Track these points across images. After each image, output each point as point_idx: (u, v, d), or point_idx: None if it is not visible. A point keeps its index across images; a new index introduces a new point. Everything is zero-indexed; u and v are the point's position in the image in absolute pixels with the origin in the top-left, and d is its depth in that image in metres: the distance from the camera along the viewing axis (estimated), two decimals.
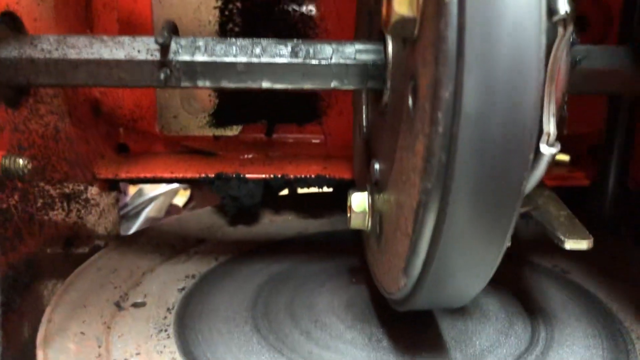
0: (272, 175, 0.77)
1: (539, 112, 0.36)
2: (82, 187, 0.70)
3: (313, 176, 0.77)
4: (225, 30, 0.82)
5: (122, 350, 0.50)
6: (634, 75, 0.53)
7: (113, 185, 0.80)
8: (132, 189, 1.33)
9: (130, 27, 0.78)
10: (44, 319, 0.51)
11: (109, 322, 0.54)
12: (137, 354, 0.50)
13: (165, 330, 0.53)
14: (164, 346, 0.51)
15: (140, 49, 0.51)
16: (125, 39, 0.51)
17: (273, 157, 0.83)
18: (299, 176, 0.77)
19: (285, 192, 0.86)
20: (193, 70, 0.51)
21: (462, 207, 0.37)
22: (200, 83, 0.51)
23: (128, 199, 1.31)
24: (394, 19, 0.40)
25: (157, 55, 0.50)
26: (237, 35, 0.82)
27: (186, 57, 0.50)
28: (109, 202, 0.80)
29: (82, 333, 0.51)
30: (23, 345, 0.53)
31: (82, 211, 0.70)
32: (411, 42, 0.41)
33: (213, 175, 0.76)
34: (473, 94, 0.35)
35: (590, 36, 0.82)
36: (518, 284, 0.64)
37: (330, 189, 0.80)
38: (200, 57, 0.50)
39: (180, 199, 1.42)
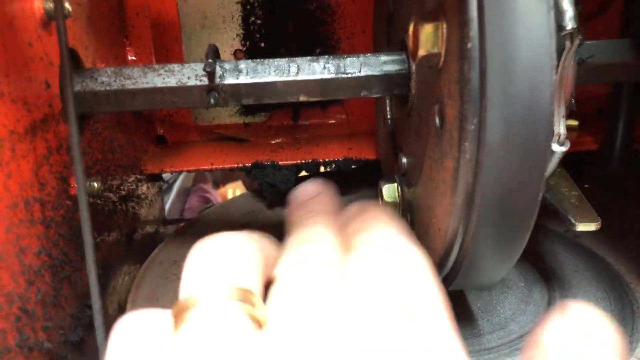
0: (302, 161, 0.83)
1: (551, 142, 0.42)
2: (134, 186, 0.77)
3: (340, 159, 0.84)
4: (248, 23, 0.86)
5: None
6: (635, 66, 0.58)
7: (157, 177, 0.88)
8: None
9: (160, 28, 0.83)
10: None
11: None
12: None
13: None
14: None
15: (190, 75, 0.56)
16: (175, 67, 0.57)
17: (301, 139, 0.90)
18: (327, 160, 0.84)
19: None
20: (238, 91, 0.56)
21: (486, 220, 0.44)
22: (244, 101, 0.57)
23: None
24: (421, 54, 0.45)
25: (205, 81, 0.56)
26: (260, 27, 0.86)
27: (231, 80, 0.56)
28: (155, 192, 0.88)
29: None
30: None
31: (136, 207, 0.77)
32: (436, 69, 0.47)
33: (249, 165, 0.82)
34: (495, 127, 0.41)
35: (592, 3, 0.85)
36: (534, 251, 0.71)
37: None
38: (243, 79, 0.56)
39: None
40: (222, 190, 1.84)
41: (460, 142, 0.42)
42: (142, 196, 0.80)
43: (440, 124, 0.47)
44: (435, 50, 0.45)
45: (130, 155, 0.76)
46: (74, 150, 0.47)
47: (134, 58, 0.80)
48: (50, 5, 0.50)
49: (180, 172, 1.45)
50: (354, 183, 0.87)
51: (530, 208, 0.44)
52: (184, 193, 1.46)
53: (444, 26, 0.44)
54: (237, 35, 0.86)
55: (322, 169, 0.90)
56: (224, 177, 1.94)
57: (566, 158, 0.83)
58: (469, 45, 0.40)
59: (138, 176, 0.79)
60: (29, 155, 0.47)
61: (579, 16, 0.46)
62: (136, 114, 0.80)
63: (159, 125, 0.89)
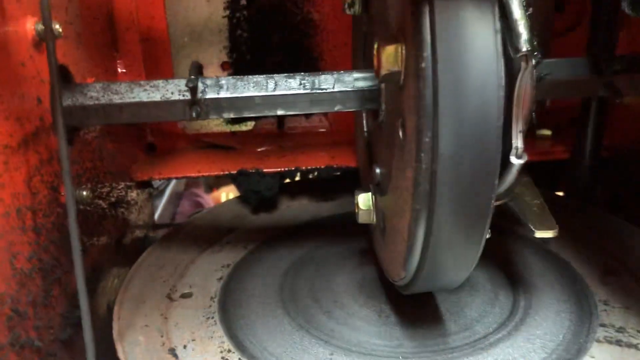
0: (286, 169, 0.87)
1: (500, 151, 0.46)
2: (123, 193, 0.80)
3: (323, 167, 0.88)
4: (235, 36, 0.90)
5: (180, 337, 0.62)
6: (590, 83, 0.62)
7: (147, 184, 0.91)
8: None
9: (150, 42, 0.87)
10: (115, 317, 0.63)
11: (165, 313, 0.65)
12: (193, 340, 0.61)
13: (212, 318, 0.65)
14: (213, 332, 0.63)
15: (173, 90, 0.60)
16: (160, 83, 0.60)
17: (285, 147, 0.93)
18: (310, 167, 0.88)
19: None
20: (219, 105, 0.60)
21: (444, 222, 0.48)
22: (225, 115, 0.61)
23: None
24: (383, 72, 0.49)
25: (187, 95, 0.60)
26: (246, 40, 0.90)
27: (213, 95, 0.60)
28: (144, 198, 0.92)
29: (147, 325, 0.63)
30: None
31: (126, 212, 0.81)
32: (398, 87, 0.50)
33: (235, 172, 0.86)
34: (447, 139, 0.44)
35: (564, 22, 0.90)
36: (503, 255, 0.75)
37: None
38: (224, 94, 0.60)
39: None
40: (215, 193, 1.87)
41: (417, 153, 0.46)
42: (132, 202, 0.84)
43: (402, 136, 0.50)
44: (396, 69, 0.48)
45: (120, 163, 0.79)
46: (62, 162, 0.50)
47: (124, 71, 0.83)
48: (41, 27, 0.54)
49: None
50: (335, 190, 0.91)
51: (484, 214, 0.47)
52: (176, 197, 1.50)
53: (403, 48, 0.48)
54: (225, 47, 0.90)
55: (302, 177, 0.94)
56: (217, 180, 1.97)
57: (539, 166, 0.86)
58: (423, 65, 0.44)
59: (128, 183, 0.82)
60: (22, 167, 0.50)
61: (551, 30, 0.49)
62: (126, 124, 0.83)
63: (149, 133, 0.93)
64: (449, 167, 0.45)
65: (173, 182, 1.52)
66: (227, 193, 1.92)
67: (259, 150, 0.93)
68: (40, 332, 0.52)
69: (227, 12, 0.89)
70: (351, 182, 0.85)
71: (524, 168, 0.72)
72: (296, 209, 0.89)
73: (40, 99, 0.55)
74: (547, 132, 0.93)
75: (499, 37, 0.44)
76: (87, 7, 0.71)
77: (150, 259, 0.75)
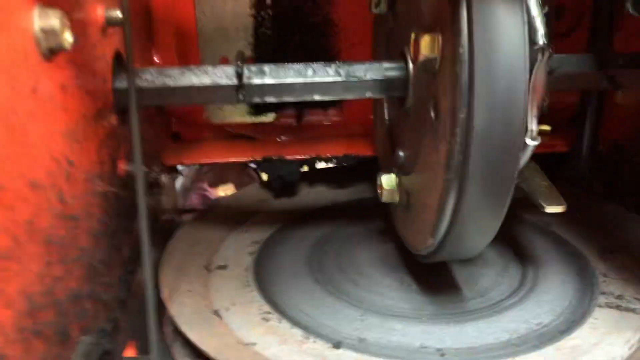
0: (307, 156, 0.93)
1: (524, 127, 0.52)
2: (157, 175, 0.86)
3: (341, 155, 0.94)
4: (259, 33, 0.96)
5: (221, 301, 0.67)
6: (594, 76, 0.70)
7: (174, 169, 0.97)
8: None
9: (179, 36, 0.93)
10: (162, 283, 0.68)
11: (205, 282, 0.71)
12: (233, 304, 0.67)
13: (249, 286, 0.71)
14: (252, 297, 0.68)
15: (221, 75, 0.66)
16: (209, 68, 0.66)
17: (304, 138, 1.00)
18: (329, 155, 0.94)
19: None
20: (262, 90, 0.66)
21: (473, 191, 0.54)
22: (267, 99, 0.67)
23: None
24: (422, 58, 0.56)
25: (235, 81, 0.66)
26: (269, 38, 0.97)
27: (257, 81, 0.66)
28: (171, 183, 0.97)
29: (190, 290, 0.69)
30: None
31: (158, 194, 0.87)
32: (432, 72, 0.57)
33: (260, 158, 0.92)
34: (480, 116, 0.51)
35: (565, 24, 0.97)
36: (511, 236, 0.81)
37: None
38: (267, 80, 0.66)
39: None
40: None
41: (452, 129, 0.53)
42: (163, 185, 0.89)
43: (435, 116, 0.57)
44: (433, 55, 0.55)
45: (153, 148, 0.85)
46: (134, 138, 0.56)
47: (158, 61, 0.89)
48: (110, 13, 0.60)
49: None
50: (350, 179, 0.98)
51: (508, 183, 0.54)
52: (186, 191, 1.55)
53: (440, 37, 0.55)
54: (249, 44, 0.96)
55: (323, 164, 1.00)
56: (215, 179, 2.03)
57: (541, 158, 0.94)
58: (461, 51, 0.51)
59: (160, 167, 0.88)
60: (95, 138, 0.56)
61: (551, 34, 0.56)
62: (159, 112, 0.89)
63: (175, 123, 0.98)
64: (481, 141, 0.52)
65: (181, 178, 1.58)
66: (225, 191, 1.98)
67: (279, 140, 0.99)
68: (106, 288, 0.57)
69: (253, 11, 0.95)
70: (364, 172, 0.92)
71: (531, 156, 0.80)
72: (315, 195, 0.95)
73: (105, 79, 0.61)
74: (547, 128, 1.00)
75: (526, 27, 0.51)
76: (133, 1, 0.76)
77: (185, 237, 0.81)
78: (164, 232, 0.86)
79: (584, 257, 0.76)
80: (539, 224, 0.85)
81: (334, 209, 0.91)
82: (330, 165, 0.99)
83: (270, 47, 0.97)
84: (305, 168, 0.96)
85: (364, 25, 0.94)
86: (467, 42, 0.50)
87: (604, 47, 0.77)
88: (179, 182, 1.54)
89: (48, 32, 0.43)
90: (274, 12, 0.95)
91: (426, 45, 0.55)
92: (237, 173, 1.32)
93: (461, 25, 0.51)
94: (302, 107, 1.00)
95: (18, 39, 0.40)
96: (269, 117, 1.01)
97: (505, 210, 0.57)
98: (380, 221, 0.84)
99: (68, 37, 0.45)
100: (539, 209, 0.66)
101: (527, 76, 0.51)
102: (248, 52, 0.97)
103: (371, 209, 0.87)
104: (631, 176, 0.91)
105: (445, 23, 0.54)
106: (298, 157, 0.93)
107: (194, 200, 1.55)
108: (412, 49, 0.57)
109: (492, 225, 0.58)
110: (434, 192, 0.58)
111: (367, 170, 0.89)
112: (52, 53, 0.45)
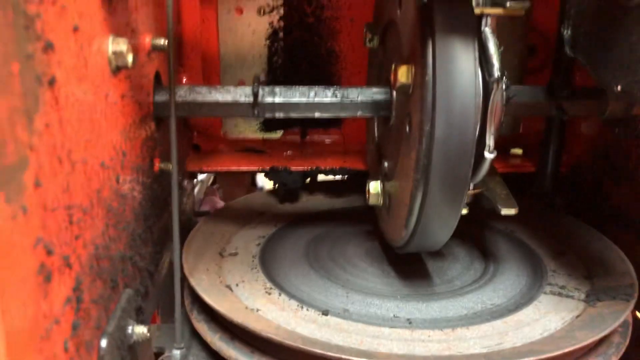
0: (308, 168, 1.08)
1: (476, 139, 0.67)
2: (181, 179, 1.01)
3: (337, 167, 1.09)
4: (272, 61, 1.13)
5: (232, 279, 0.82)
6: (545, 105, 0.85)
7: (194, 175, 1.12)
8: None
9: (204, 61, 1.09)
10: (184, 262, 0.82)
11: (219, 264, 0.85)
12: (242, 281, 0.81)
13: (255, 268, 0.85)
14: (257, 277, 0.83)
15: (241, 94, 0.81)
16: (231, 88, 0.82)
17: (307, 153, 1.15)
18: (328, 168, 1.09)
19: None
20: (273, 107, 0.82)
21: (435, 188, 0.69)
22: (277, 115, 0.82)
23: None
24: (398, 84, 0.71)
25: (251, 99, 0.81)
26: (280, 65, 1.13)
27: (269, 99, 0.81)
28: (190, 187, 1.12)
29: (207, 269, 0.83)
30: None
31: (181, 195, 1.01)
32: (407, 95, 0.72)
33: (267, 168, 1.07)
34: (441, 128, 0.66)
35: (538, 61, 1.13)
36: (480, 239, 0.96)
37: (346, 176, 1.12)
38: (277, 99, 0.81)
39: None
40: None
41: (419, 138, 0.68)
42: (185, 188, 1.04)
43: (409, 129, 0.72)
44: (407, 82, 0.71)
45: (179, 155, 1.00)
46: (172, 143, 0.71)
47: (186, 81, 1.05)
48: (155, 41, 0.75)
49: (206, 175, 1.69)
50: (346, 190, 1.12)
51: (463, 183, 0.69)
52: (199, 202, 1.71)
53: (413, 67, 0.70)
54: (263, 70, 1.12)
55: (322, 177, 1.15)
56: (224, 196, 2.19)
57: (512, 177, 1.08)
58: (427, 78, 0.66)
59: (183, 172, 1.03)
60: (140, 137, 0.71)
61: (525, 69, 0.71)
62: (184, 126, 1.05)
63: (196, 136, 1.14)
64: (441, 147, 0.67)
65: (196, 189, 1.73)
66: None
67: (284, 154, 1.14)
68: (141, 258, 0.72)
69: (268, 42, 1.12)
70: (358, 185, 1.06)
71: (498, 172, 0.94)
72: (314, 202, 1.10)
73: (149, 93, 0.77)
74: (519, 151, 1.15)
75: (477, 62, 0.66)
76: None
77: (203, 229, 0.95)
78: (182, 229, 1.00)
79: (538, 257, 0.90)
80: (505, 231, 0.99)
81: (330, 214, 1.06)
82: (330, 178, 1.14)
83: (282, 73, 1.13)
84: (308, 179, 1.11)
85: (361, 56, 1.10)
86: (432, 72, 0.66)
87: (561, 82, 0.92)
88: (196, 190, 1.70)
89: (117, 54, 0.59)
90: (285, 44, 1.11)
91: (403, 73, 0.71)
92: (245, 192, 1.48)
93: (427, 59, 0.66)
94: (306, 126, 1.16)
95: (100, 58, 0.56)
96: (278, 134, 1.16)
97: (461, 207, 0.71)
98: (369, 224, 0.99)
99: (130, 59, 0.61)
100: (497, 213, 0.80)
101: (478, 99, 0.66)
102: (263, 76, 1.13)
103: (362, 214, 1.02)
104: (587, 194, 1.05)
105: (416, 57, 0.69)
106: (301, 168, 1.08)
107: (206, 208, 1.71)
108: (392, 76, 0.73)
109: (450, 219, 0.72)
110: (407, 191, 0.73)
111: (360, 184, 1.04)
112: (118, 70, 0.61)
